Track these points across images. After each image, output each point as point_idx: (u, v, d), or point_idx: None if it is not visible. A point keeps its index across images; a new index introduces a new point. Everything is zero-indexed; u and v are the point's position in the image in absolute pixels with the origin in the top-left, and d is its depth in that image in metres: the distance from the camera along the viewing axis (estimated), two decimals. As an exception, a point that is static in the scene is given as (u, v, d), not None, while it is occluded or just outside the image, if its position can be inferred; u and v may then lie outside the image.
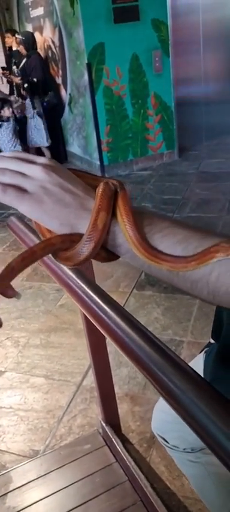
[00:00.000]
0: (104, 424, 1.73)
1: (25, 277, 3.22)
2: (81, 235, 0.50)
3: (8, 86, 6.24)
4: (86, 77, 5.01)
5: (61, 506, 1.52)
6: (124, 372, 2.18)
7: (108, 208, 0.49)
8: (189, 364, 0.60)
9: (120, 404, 1.87)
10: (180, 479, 1.62)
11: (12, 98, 5.60)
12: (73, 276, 0.89)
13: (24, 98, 5.56)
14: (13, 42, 6.02)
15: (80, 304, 0.88)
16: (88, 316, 0.85)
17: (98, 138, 5.21)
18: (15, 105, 5.50)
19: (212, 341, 1.03)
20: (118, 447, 1.65)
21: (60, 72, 5.95)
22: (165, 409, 1.05)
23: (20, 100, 5.56)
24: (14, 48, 6.02)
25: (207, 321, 2.41)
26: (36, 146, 5.67)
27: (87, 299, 0.83)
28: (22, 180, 0.50)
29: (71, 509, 1.49)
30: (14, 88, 6.01)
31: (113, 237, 0.50)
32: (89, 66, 4.92)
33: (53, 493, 1.56)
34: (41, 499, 1.55)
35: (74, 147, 6.12)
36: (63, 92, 6.00)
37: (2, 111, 5.39)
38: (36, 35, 6.07)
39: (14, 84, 5.95)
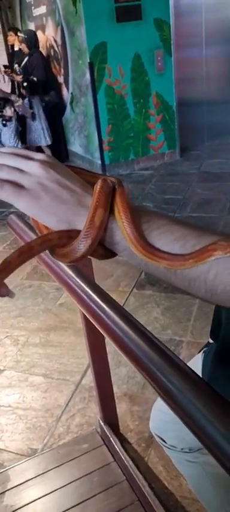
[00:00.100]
0: (102, 424, 1.73)
1: (25, 276, 3.21)
2: (78, 232, 0.49)
3: (10, 84, 6.23)
4: (88, 76, 5.00)
5: (59, 505, 1.52)
6: (123, 372, 2.17)
7: (105, 205, 0.48)
8: (187, 364, 0.60)
9: (118, 404, 1.87)
10: (178, 479, 1.62)
11: (12, 97, 5.59)
12: (73, 275, 0.88)
13: (23, 97, 5.55)
14: (15, 41, 6.01)
15: (79, 303, 0.87)
16: (87, 315, 0.85)
17: (99, 137, 5.21)
18: (16, 104, 5.49)
19: (210, 341, 1.03)
20: (116, 447, 1.65)
21: (62, 71, 5.94)
22: (163, 409, 1.05)
23: (20, 99, 5.55)
24: (16, 48, 6.01)
25: (207, 321, 2.40)
26: (35, 146, 5.67)
27: (86, 298, 0.82)
28: (19, 176, 0.50)
29: (69, 508, 1.49)
30: (16, 87, 6.01)
31: (111, 234, 0.50)
32: (91, 65, 4.91)
33: (50, 492, 1.56)
34: (39, 498, 1.55)
35: (75, 146, 6.12)
36: (64, 90, 6.00)
37: (4, 111, 5.39)
38: (39, 33, 6.06)
39: (16, 82, 5.94)
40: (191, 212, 4.04)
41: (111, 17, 4.83)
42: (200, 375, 0.77)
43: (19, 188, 0.49)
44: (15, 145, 5.40)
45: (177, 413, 0.55)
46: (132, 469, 1.56)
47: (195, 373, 0.56)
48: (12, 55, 6.25)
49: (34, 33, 5.83)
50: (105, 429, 1.72)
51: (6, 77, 6.14)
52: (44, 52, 6.05)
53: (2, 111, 5.45)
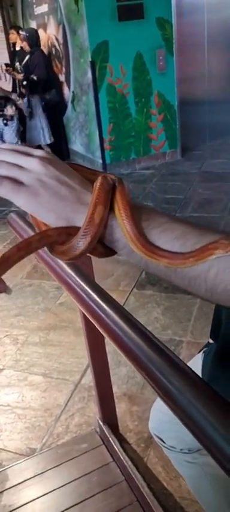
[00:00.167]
0: (102, 423, 1.72)
1: (25, 275, 3.21)
2: (78, 229, 0.49)
3: (11, 83, 6.23)
4: (89, 74, 5.00)
5: (58, 505, 1.52)
6: (122, 371, 2.17)
7: (105, 202, 0.48)
8: (187, 364, 0.59)
9: (118, 404, 1.87)
10: (177, 480, 1.61)
11: (13, 96, 5.59)
12: (72, 274, 0.88)
13: (23, 96, 5.54)
14: (17, 39, 6.00)
15: (79, 302, 0.87)
16: (86, 314, 0.84)
17: (101, 136, 5.20)
18: (17, 103, 5.49)
19: (211, 341, 1.02)
20: (115, 447, 1.64)
21: (64, 69, 5.94)
22: (162, 409, 1.04)
23: (20, 98, 5.55)
24: (18, 46, 6.01)
25: (207, 321, 2.40)
26: (35, 145, 5.67)
27: (85, 297, 0.82)
28: (18, 172, 0.49)
29: (68, 508, 1.48)
30: (17, 85, 6.00)
31: (110, 232, 0.49)
32: (93, 64, 4.91)
33: (49, 492, 1.55)
34: (38, 498, 1.54)
35: (76, 145, 6.11)
36: (66, 89, 5.99)
37: (5, 110, 5.38)
38: (40, 32, 6.06)
39: (17, 81, 5.94)
40: (192, 212, 4.03)
41: (113, 16, 4.82)
42: (200, 375, 0.76)
43: (18, 185, 0.49)
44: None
45: (177, 413, 0.54)
46: (131, 469, 1.55)
47: (195, 373, 0.56)
48: (14, 53, 6.25)
49: (36, 32, 5.83)
50: (104, 429, 1.71)
51: (8, 75, 6.14)
52: (45, 50, 6.04)
53: (3, 110, 5.45)
